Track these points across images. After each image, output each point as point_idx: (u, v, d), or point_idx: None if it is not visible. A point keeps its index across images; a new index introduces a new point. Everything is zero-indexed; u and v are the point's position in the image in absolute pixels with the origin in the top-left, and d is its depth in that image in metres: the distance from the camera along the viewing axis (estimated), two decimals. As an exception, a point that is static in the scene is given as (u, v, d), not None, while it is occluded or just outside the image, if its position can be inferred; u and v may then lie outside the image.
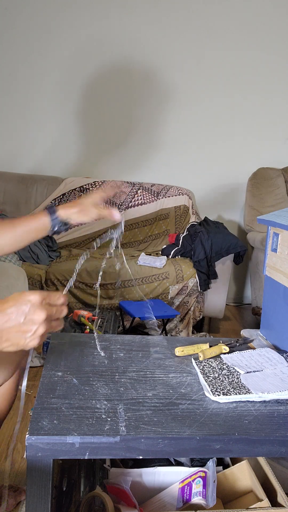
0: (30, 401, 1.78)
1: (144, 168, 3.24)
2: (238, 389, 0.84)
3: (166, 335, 2.41)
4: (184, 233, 2.75)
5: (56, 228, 1.00)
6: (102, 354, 0.96)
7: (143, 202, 3.06)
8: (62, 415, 0.74)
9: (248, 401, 0.82)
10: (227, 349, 1.02)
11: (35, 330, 0.65)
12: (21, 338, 0.65)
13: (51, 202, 3.02)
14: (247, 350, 1.03)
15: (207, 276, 2.50)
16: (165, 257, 2.64)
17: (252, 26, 3.05)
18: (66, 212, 1.00)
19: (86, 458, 0.70)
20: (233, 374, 0.91)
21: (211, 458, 1.05)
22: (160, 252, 2.87)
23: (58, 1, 2.95)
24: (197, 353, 1.00)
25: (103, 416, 0.74)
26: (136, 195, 3.07)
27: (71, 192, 3.04)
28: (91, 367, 0.91)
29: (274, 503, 0.98)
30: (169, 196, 3.08)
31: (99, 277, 0.97)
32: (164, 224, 3.05)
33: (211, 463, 1.05)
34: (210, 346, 1.02)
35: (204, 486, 0.99)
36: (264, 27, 3.05)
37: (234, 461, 1.14)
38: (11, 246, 0.99)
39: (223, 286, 2.59)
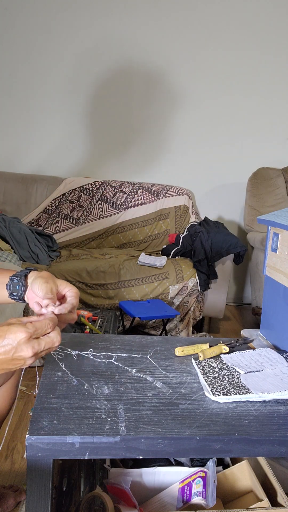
0: (30, 401, 1.78)
1: (144, 168, 3.24)
2: (238, 389, 0.84)
3: (166, 335, 2.41)
4: (184, 233, 2.75)
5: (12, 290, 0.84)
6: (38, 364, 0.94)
7: (143, 202, 3.07)
8: (62, 415, 0.74)
9: (248, 401, 0.82)
10: (227, 349, 1.02)
11: (24, 363, 0.70)
12: (13, 367, 0.70)
13: (50, 202, 3.02)
14: (247, 350, 1.03)
15: (207, 276, 2.50)
16: (165, 257, 2.64)
17: (252, 26, 3.05)
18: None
19: (86, 458, 0.70)
20: (233, 374, 0.91)
21: (211, 458, 1.05)
22: (160, 252, 2.88)
23: (58, 1, 2.95)
24: (197, 353, 1.00)
25: (103, 416, 0.74)
26: (136, 195, 3.07)
27: (71, 192, 3.04)
28: (91, 367, 0.91)
29: (274, 503, 0.98)
30: (169, 196, 3.09)
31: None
32: (164, 224, 3.05)
33: (211, 463, 1.05)
34: (210, 346, 1.02)
35: (204, 486, 0.99)
36: (264, 27, 3.05)
37: (234, 461, 1.14)
38: None
39: (223, 286, 2.59)
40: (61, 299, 0.82)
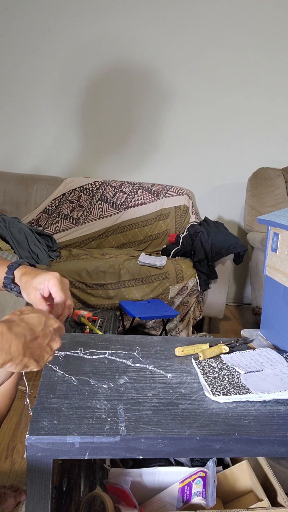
0: (30, 401, 1.78)
1: (144, 168, 3.24)
2: (238, 389, 0.84)
3: (166, 335, 2.41)
4: (184, 233, 2.75)
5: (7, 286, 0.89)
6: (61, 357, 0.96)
7: (143, 202, 3.06)
8: (62, 415, 0.74)
9: (248, 401, 0.82)
10: (227, 349, 1.02)
11: (52, 341, 0.74)
12: (43, 352, 0.72)
13: (50, 202, 3.03)
14: (247, 350, 1.03)
15: (207, 276, 2.50)
16: (165, 257, 2.64)
17: (252, 26, 3.05)
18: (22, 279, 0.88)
19: (86, 458, 0.70)
20: (233, 374, 0.91)
21: (211, 458, 1.05)
22: (160, 252, 2.87)
23: (58, 1, 2.95)
24: (197, 353, 1.00)
25: (103, 416, 0.74)
26: (136, 195, 3.07)
27: (71, 192, 3.04)
28: (91, 367, 0.91)
29: (274, 503, 0.98)
30: (169, 196, 3.08)
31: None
32: (164, 224, 3.05)
33: (211, 463, 1.05)
34: (210, 346, 1.02)
35: (204, 486, 0.99)
36: (264, 27, 3.05)
37: (234, 461, 1.14)
38: None
39: (223, 286, 2.59)
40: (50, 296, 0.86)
